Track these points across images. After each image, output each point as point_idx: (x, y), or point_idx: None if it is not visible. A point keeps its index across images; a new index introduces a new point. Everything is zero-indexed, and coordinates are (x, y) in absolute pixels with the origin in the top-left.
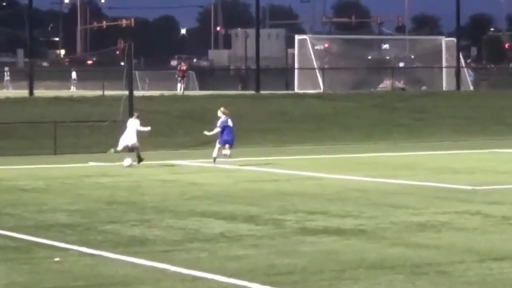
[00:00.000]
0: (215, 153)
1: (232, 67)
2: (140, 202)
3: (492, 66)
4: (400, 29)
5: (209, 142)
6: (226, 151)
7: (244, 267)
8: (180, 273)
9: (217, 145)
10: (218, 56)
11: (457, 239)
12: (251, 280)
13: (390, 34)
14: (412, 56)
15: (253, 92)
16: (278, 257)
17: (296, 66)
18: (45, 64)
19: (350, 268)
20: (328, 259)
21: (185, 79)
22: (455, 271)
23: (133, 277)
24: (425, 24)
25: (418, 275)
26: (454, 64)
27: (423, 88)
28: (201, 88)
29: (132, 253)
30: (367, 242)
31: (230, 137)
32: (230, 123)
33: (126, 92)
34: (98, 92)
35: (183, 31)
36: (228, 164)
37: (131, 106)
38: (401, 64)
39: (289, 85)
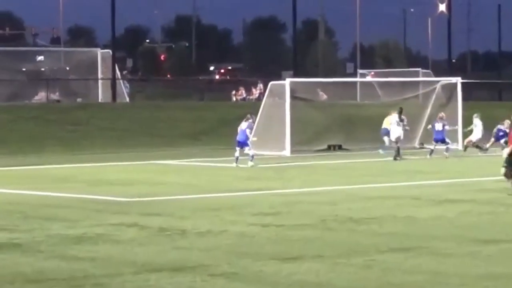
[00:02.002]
0: None
1: None
2: None
3: (151, 77)
4: (55, 41)
5: None
6: None
7: None
8: None
9: None
10: None
11: (114, 251)
12: None
13: (45, 46)
14: (68, 68)
15: None
16: None
17: None
18: None
19: (7, 282)
20: None
21: None
22: (112, 283)
23: None
24: (81, 35)
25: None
26: (110, 75)
27: (79, 100)
28: None
29: None
30: (22, 255)
31: None
32: None
33: None
34: None
35: None
36: None
37: None
38: (57, 76)
39: None
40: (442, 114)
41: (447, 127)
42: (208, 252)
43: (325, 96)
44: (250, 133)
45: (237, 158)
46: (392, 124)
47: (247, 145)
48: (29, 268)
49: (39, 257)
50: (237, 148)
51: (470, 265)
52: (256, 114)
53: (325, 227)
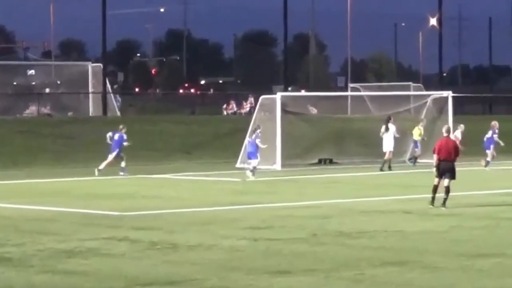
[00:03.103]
0: None
1: None
2: None
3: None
4: (46, 55)
5: None
6: None
7: None
8: None
9: None
10: None
11: (105, 265)
12: None
13: (36, 60)
14: (59, 82)
15: None
16: None
17: None
18: None
19: None
20: None
21: None
22: None
23: None
24: (72, 49)
25: None
26: (101, 89)
27: (70, 114)
28: None
29: None
30: (13, 270)
31: None
32: None
33: None
34: None
35: None
36: None
37: None
38: (47, 90)
39: None
40: (494, 122)
41: (495, 136)
42: (199, 266)
43: (315, 111)
44: (259, 142)
45: (253, 169)
46: (384, 134)
47: (255, 157)
48: (20, 282)
49: (30, 271)
50: (250, 161)
51: (461, 279)
52: (247, 128)
53: (316, 241)
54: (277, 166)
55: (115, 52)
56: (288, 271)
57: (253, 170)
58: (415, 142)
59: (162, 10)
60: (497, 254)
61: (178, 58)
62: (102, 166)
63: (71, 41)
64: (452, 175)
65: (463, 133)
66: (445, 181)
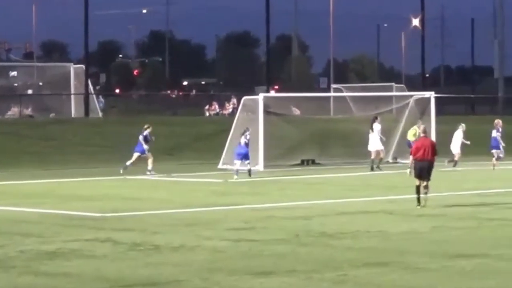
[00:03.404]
0: None
1: None
2: None
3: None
4: (29, 56)
5: None
6: None
7: None
8: None
9: None
10: None
11: (87, 266)
12: None
13: (18, 61)
14: (41, 83)
15: None
16: None
17: None
18: None
19: None
20: None
21: None
22: None
23: None
24: (54, 50)
25: None
26: (83, 91)
27: (52, 115)
28: None
29: None
30: None
31: None
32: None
33: None
34: None
35: None
36: None
37: None
38: (30, 91)
39: None
40: (497, 120)
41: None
42: (181, 267)
43: (298, 112)
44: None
45: (237, 171)
46: (370, 134)
47: (247, 158)
48: (2, 284)
49: (12, 273)
50: (237, 161)
51: (443, 280)
52: (230, 129)
53: (298, 242)
54: (260, 167)
55: (97, 53)
56: (271, 272)
57: (250, 171)
58: (409, 142)
59: (144, 11)
60: (479, 255)
61: (160, 59)
62: (150, 166)
63: (53, 42)
64: (429, 175)
65: (464, 132)
66: (424, 182)
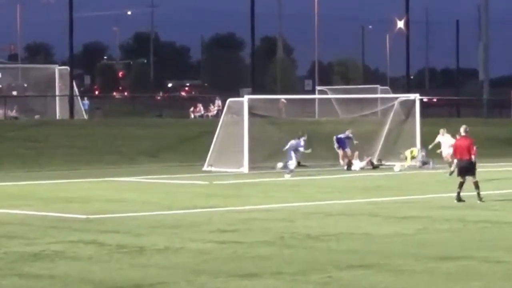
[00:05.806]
0: None
1: None
2: None
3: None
4: (13, 57)
5: None
6: None
7: None
8: None
9: None
10: None
11: (72, 268)
12: None
13: (2, 63)
14: (25, 85)
15: None
16: None
17: None
18: None
19: None
20: None
21: None
22: None
23: None
24: (39, 52)
25: None
26: (68, 92)
27: (37, 117)
28: None
29: None
30: None
31: None
32: None
33: None
34: None
35: None
36: None
37: None
38: (14, 93)
39: None
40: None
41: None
42: (166, 269)
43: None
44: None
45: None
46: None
47: (291, 158)
48: None
49: None
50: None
51: (428, 282)
52: (214, 131)
53: (283, 244)
54: (244, 169)
55: (82, 55)
56: (255, 274)
57: (292, 171)
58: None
59: (129, 13)
60: (463, 257)
61: (145, 61)
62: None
63: (37, 44)
64: (470, 173)
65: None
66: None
